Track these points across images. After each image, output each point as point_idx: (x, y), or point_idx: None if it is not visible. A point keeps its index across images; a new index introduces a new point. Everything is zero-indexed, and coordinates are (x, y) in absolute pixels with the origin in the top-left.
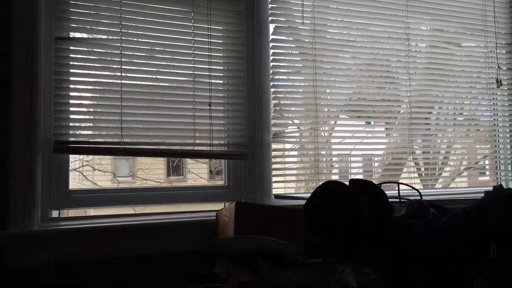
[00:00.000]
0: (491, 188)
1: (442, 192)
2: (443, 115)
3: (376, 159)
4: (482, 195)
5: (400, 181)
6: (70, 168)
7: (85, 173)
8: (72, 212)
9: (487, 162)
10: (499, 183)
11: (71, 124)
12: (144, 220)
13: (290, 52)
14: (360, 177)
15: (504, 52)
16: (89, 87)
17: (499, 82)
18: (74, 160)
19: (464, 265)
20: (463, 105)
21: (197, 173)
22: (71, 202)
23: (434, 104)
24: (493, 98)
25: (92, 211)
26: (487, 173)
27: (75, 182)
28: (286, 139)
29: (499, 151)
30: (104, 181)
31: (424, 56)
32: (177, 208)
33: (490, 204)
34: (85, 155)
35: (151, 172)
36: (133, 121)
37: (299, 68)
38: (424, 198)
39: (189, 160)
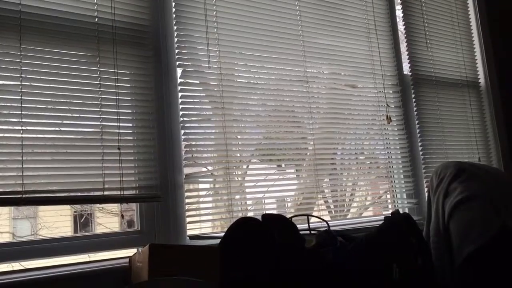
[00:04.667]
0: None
1: (348, 222)
2: (346, 155)
3: (288, 200)
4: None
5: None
6: None
7: None
8: None
9: (388, 196)
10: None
11: None
12: (48, 273)
13: (199, 95)
14: None
15: (391, 92)
16: None
17: (389, 119)
18: None
19: (371, 287)
20: (363, 145)
21: (109, 227)
22: None
23: (337, 145)
24: (386, 134)
25: None
26: (389, 206)
27: None
28: (199, 179)
29: (394, 182)
30: None
31: (325, 97)
32: (86, 258)
33: (388, 228)
34: None
35: (56, 230)
36: (35, 168)
37: (208, 109)
38: (332, 228)
39: (98, 214)
